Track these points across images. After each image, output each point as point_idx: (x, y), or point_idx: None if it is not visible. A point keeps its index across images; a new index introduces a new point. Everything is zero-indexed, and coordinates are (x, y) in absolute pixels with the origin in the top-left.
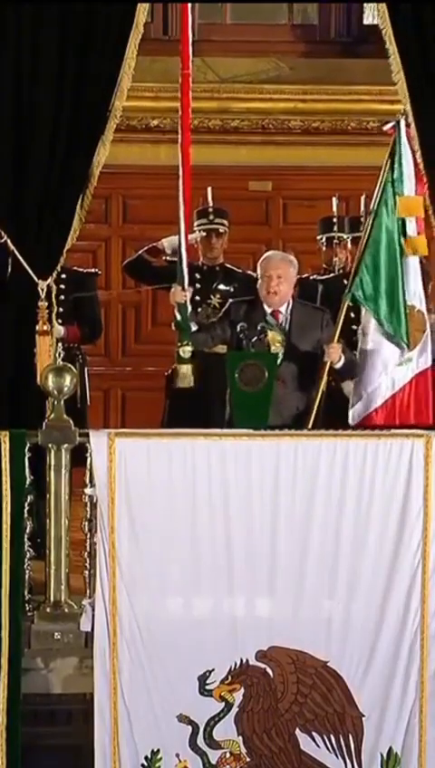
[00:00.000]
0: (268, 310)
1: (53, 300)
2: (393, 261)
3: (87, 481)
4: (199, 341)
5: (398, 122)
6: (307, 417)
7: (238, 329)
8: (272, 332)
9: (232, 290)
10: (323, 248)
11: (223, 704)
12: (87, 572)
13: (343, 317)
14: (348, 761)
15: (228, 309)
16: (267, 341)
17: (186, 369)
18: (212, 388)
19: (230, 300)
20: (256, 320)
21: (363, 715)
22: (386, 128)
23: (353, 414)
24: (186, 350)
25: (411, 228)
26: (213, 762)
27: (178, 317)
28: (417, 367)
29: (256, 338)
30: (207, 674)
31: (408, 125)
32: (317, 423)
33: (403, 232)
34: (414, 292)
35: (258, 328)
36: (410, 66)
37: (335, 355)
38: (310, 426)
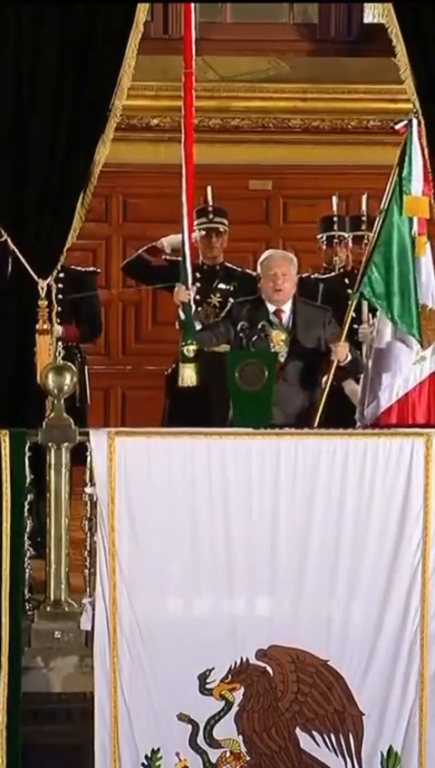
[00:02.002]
0: (271, 309)
1: (53, 299)
2: (405, 259)
3: (87, 480)
4: (203, 340)
5: (410, 121)
6: (311, 414)
7: (239, 327)
8: (275, 331)
9: (232, 289)
10: (324, 247)
11: (223, 703)
12: (87, 571)
13: (350, 316)
14: (348, 760)
15: (231, 308)
16: (269, 340)
17: (190, 369)
18: (212, 387)
19: (231, 299)
20: (259, 319)
21: (364, 714)
22: (398, 126)
23: (368, 413)
24: (190, 349)
25: (414, 229)
26: (213, 761)
27: (183, 316)
28: (431, 366)
29: (256, 337)
30: (208, 673)
31: (420, 123)
32: (321, 423)
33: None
34: (427, 291)
35: (258, 327)
36: (419, 64)
37: (343, 354)
38: (315, 425)
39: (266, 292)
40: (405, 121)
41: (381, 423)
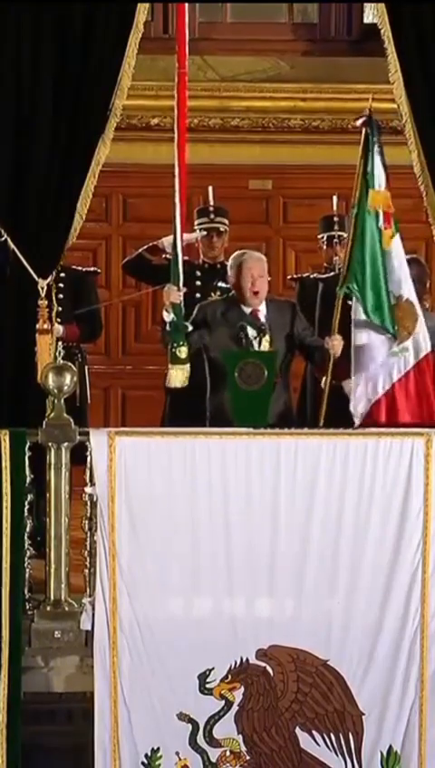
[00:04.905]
0: (247, 310)
1: (54, 298)
2: (375, 253)
3: (87, 480)
4: (192, 343)
5: (369, 117)
6: (291, 414)
7: (238, 327)
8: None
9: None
10: (324, 247)
11: (223, 702)
12: (87, 571)
13: (339, 311)
14: (348, 759)
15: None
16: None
17: (180, 370)
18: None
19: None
20: (237, 320)
21: (363, 714)
22: (358, 123)
23: (356, 411)
24: (182, 351)
25: (380, 222)
26: (213, 760)
27: (172, 317)
28: (415, 356)
29: (258, 339)
30: (208, 672)
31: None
32: (320, 421)
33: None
34: (400, 281)
35: (259, 327)
36: (408, 66)
37: (338, 346)
38: (320, 423)
39: (244, 294)
40: (364, 118)
41: (372, 418)
